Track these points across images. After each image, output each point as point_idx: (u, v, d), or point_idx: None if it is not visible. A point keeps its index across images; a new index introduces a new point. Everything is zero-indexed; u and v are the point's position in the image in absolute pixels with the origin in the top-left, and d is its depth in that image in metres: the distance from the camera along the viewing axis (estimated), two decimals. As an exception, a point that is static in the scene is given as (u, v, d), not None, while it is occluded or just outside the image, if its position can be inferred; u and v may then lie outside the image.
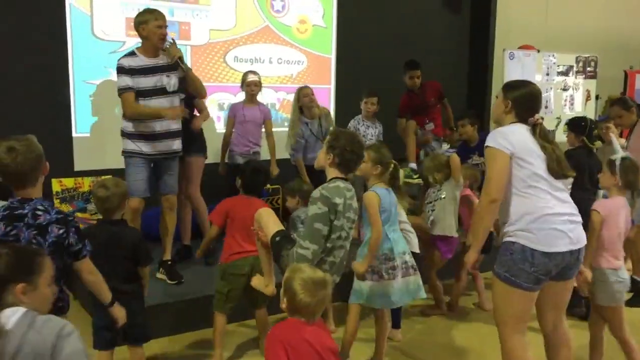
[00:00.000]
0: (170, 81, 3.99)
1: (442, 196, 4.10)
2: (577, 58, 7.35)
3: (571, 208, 2.69)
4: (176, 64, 3.96)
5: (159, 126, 3.93)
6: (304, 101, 5.04)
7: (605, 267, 3.17)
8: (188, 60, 5.38)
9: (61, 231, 2.29)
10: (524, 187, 2.63)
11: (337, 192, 2.74)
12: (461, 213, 4.25)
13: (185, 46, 5.40)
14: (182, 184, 4.44)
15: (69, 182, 4.76)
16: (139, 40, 4.03)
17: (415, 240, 3.64)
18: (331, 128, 4.87)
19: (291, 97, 5.77)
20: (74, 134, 4.97)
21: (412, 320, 4.19)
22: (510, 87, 2.83)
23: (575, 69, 7.30)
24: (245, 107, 4.90)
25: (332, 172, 2.84)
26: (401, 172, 3.61)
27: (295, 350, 2.09)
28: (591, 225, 3.16)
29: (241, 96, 5.08)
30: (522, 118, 2.75)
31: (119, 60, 3.94)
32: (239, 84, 4.98)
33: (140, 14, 3.96)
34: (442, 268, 4.27)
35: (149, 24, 3.87)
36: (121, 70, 3.87)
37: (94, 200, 3.08)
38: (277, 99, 6.03)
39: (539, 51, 7.05)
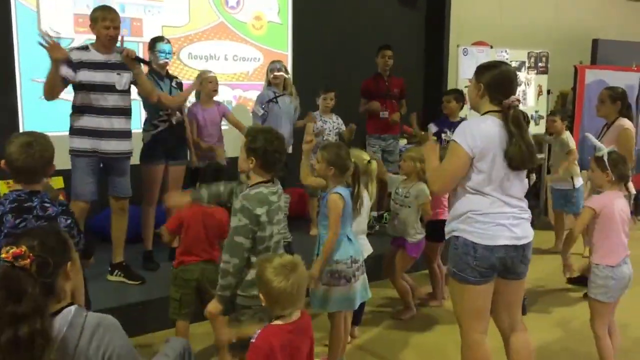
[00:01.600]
0: (122, 79, 3.89)
1: (408, 204, 4.02)
2: (529, 54, 7.49)
3: (518, 206, 2.66)
4: (133, 63, 3.86)
5: (106, 123, 3.83)
6: (271, 79, 5.04)
7: (598, 263, 3.20)
8: (141, 57, 5.26)
9: (69, 221, 2.40)
10: (474, 189, 2.61)
11: (259, 200, 2.57)
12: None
13: (137, 43, 5.28)
14: (161, 190, 4.42)
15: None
16: (89, 37, 3.96)
17: (368, 244, 3.63)
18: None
19: (248, 94, 5.75)
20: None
21: (376, 318, 4.20)
22: (481, 68, 2.70)
23: (527, 64, 7.44)
24: (204, 108, 4.79)
25: (255, 177, 2.66)
26: (373, 166, 3.54)
27: (280, 354, 2.06)
28: (579, 219, 3.25)
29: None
30: (497, 101, 2.61)
31: (70, 50, 3.82)
32: (191, 81, 4.87)
33: (92, 11, 3.87)
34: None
35: (97, 22, 3.78)
36: (67, 62, 3.72)
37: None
38: (233, 97, 5.96)
39: (492, 47, 7.17)
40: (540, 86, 7.62)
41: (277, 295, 2.08)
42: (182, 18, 5.59)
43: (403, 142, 6.59)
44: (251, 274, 2.58)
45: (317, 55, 6.32)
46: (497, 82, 2.64)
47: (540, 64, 7.61)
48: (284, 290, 2.07)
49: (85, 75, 3.77)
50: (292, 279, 2.09)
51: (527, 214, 2.71)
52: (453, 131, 4.91)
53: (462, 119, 5.06)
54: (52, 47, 3.59)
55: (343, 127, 5.39)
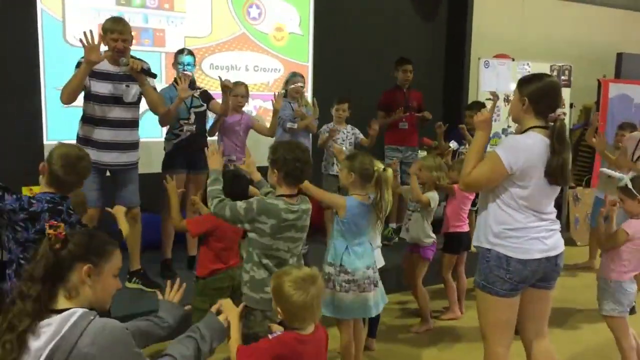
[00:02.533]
0: (130, 91, 3.90)
1: (419, 209, 4.02)
2: (551, 67, 7.43)
3: (550, 219, 2.65)
4: (140, 74, 3.84)
5: (109, 135, 3.84)
6: (291, 90, 5.12)
7: (613, 279, 3.21)
8: (163, 67, 5.34)
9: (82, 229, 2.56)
10: (510, 203, 2.59)
11: (268, 211, 2.56)
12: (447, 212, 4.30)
13: (160, 53, 5.35)
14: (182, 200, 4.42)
15: (38, 189, 4.65)
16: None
17: (380, 256, 3.60)
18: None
19: (268, 105, 5.76)
20: (45, 142, 4.87)
21: (393, 330, 4.16)
22: (525, 81, 2.62)
23: (549, 77, 7.39)
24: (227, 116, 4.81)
25: (280, 189, 2.66)
26: (388, 173, 3.52)
27: None
28: (614, 240, 3.22)
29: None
30: (542, 115, 2.57)
31: (82, 58, 3.76)
32: (216, 91, 4.91)
33: (105, 22, 3.87)
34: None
35: (106, 34, 3.78)
36: (78, 65, 3.73)
37: None
38: (253, 107, 5.99)
39: (513, 60, 7.12)
40: (563, 100, 7.54)
41: (297, 310, 2.06)
42: (205, 29, 5.65)
43: (423, 154, 6.56)
44: (260, 274, 2.61)
45: (337, 66, 6.34)
46: (542, 96, 2.58)
47: (563, 77, 7.53)
48: (304, 304, 2.05)
49: (95, 86, 3.79)
50: (312, 292, 2.07)
51: (558, 225, 2.70)
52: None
53: None
54: (91, 47, 3.58)
55: (360, 137, 5.36)
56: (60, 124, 4.92)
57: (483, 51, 7.19)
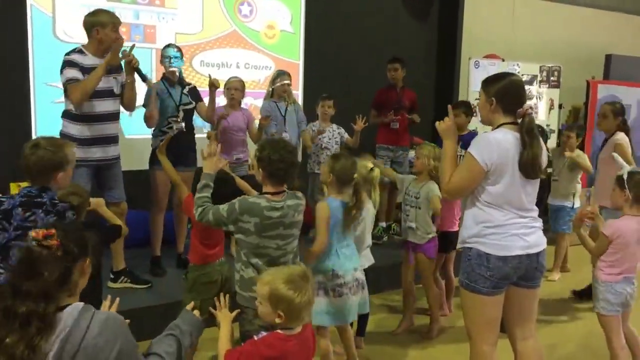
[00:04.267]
0: (117, 83, 3.90)
1: (419, 205, 3.93)
2: (540, 67, 7.48)
3: (530, 216, 2.66)
4: (132, 71, 3.86)
5: (97, 130, 3.81)
6: (277, 88, 5.07)
7: (602, 280, 3.22)
8: (153, 64, 5.32)
9: (74, 217, 2.50)
10: (488, 202, 2.61)
11: (250, 210, 2.58)
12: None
13: (151, 49, 5.33)
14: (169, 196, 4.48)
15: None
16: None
17: (369, 254, 3.59)
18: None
19: (258, 102, 5.75)
20: (33, 137, 4.83)
21: (381, 329, 4.16)
22: (489, 82, 2.68)
23: (539, 78, 7.43)
24: (228, 113, 4.82)
25: (264, 187, 2.67)
26: (375, 173, 3.49)
27: None
28: (599, 247, 3.25)
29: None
30: (510, 112, 2.62)
31: (68, 54, 3.75)
32: (206, 89, 4.89)
33: (95, 14, 3.81)
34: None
35: (105, 27, 3.74)
36: (72, 64, 3.69)
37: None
38: (244, 104, 5.97)
39: (503, 60, 7.16)
40: (551, 100, 7.60)
41: (299, 310, 2.05)
42: (196, 26, 5.63)
43: (413, 153, 6.58)
44: (248, 273, 2.62)
45: (329, 65, 6.34)
46: (507, 93, 2.63)
47: (552, 78, 7.59)
48: (307, 303, 2.05)
49: None
50: (309, 289, 2.07)
51: (539, 223, 2.71)
52: (460, 144, 4.94)
53: (471, 132, 5.04)
54: (126, 56, 3.73)
55: (346, 136, 5.33)
56: (49, 120, 4.88)
57: (473, 51, 7.23)
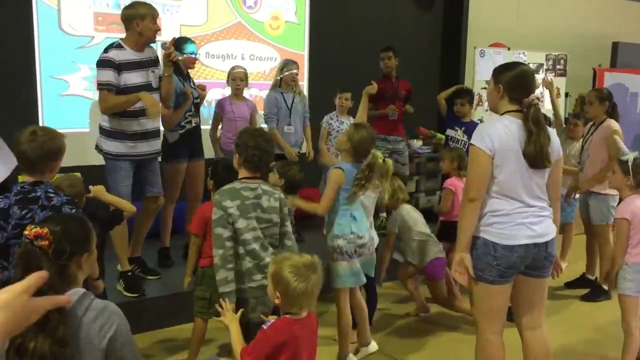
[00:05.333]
0: (155, 77, 3.90)
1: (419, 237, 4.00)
2: (547, 56, 7.45)
3: (539, 205, 2.65)
4: (170, 65, 3.87)
5: (139, 125, 3.81)
6: (286, 77, 5.06)
7: (630, 262, 3.26)
8: (159, 56, 5.31)
9: (73, 211, 2.38)
10: (494, 191, 2.62)
11: (230, 194, 2.68)
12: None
13: (156, 42, 5.33)
14: (184, 187, 4.51)
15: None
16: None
17: (375, 234, 3.62)
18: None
19: (264, 94, 5.75)
20: (41, 131, 4.86)
21: (389, 318, 4.19)
22: (499, 70, 2.71)
23: (545, 66, 7.40)
24: (233, 103, 4.86)
25: (241, 173, 2.77)
26: (388, 164, 3.52)
27: (286, 349, 2.07)
28: (619, 233, 3.26)
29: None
30: (516, 101, 2.63)
31: (105, 51, 3.72)
32: (210, 80, 4.93)
33: (133, 7, 3.79)
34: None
35: (145, 19, 3.73)
36: (108, 63, 3.66)
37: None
38: (249, 96, 5.97)
39: (509, 49, 7.13)
40: (558, 89, 7.56)
41: (295, 296, 2.08)
42: (200, 17, 5.64)
43: (418, 143, 6.58)
44: (245, 265, 2.69)
45: (334, 55, 6.33)
46: (516, 82, 2.64)
47: (558, 67, 7.55)
48: (304, 291, 2.07)
49: (127, 79, 3.72)
50: (312, 280, 2.09)
51: (548, 212, 2.69)
52: (464, 130, 4.98)
53: (473, 121, 5.05)
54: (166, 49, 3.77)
55: None
56: (56, 113, 4.92)
57: (479, 41, 7.20)
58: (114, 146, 3.79)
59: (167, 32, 5.27)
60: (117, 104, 3.71)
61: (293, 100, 5.12)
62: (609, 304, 4.54)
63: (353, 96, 5.29)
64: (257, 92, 6.02)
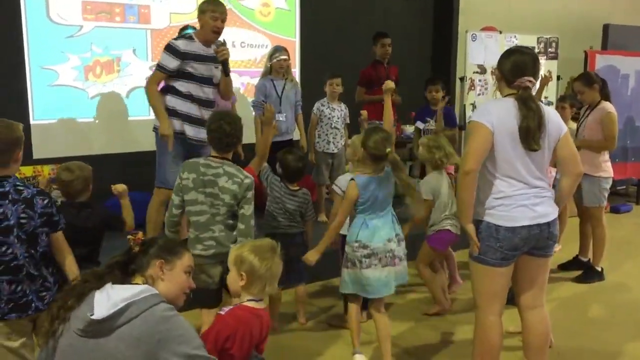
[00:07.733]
0: (217, 74, 4.02)
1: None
2: (538, 39, 7.44)
3: (540, 186, 2.68)
4: (222, 62, 3.94)
5: (196, 111, 3.94)
6: (274, 64, 5.02)
7: None
8: (149, 44, 5.29)
9: (45, 201, 2.42)
10: (494, 174, 2.65)
11: (190, 167, 2.97)
12: None
13: (145, 30, 5.30)
14: None
15: (27, 170, 4.62)
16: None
17: None
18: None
19: (255, 81, 5.73)
20: (31, 121, 4.83)
21: (402, 309, 4.11)
22: (502, 55, 2.80)
23: (536, 49, 7.39)
24: None
25: (211, 152, 3.01)
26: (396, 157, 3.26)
27: (244, 335, 2.13)
28: None
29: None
30: (513, 85, 2.69)
31: (174, 39, 3.94)
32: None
33: (202, 2, 3.95)
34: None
35: (205, 14, 3.85)
36: (173, 51, 3.83)
37: (58, 184, 3.03)
38: (241, 84, 5.96)
39: (501, 32, 7.12)
40: (550, 72, 7.56)
41: (260, 274, 2.17)
42: (190, 5, 5.59)
43: (411, 129, 6.57)
44: (192, 232, 2.98)
45: (325, 42, 6.30)
46: (512, 65, 2.71)
47: (550, 50, 7.55)
48: (268, 269, 2.18)
49: (189, 66, 3.86)
50: (274, 261, 2.21)
51: (550, 192, 2.73)
52: (434, 119, 4.93)
53: (446, 108, 5.02)
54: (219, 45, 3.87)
55: (347, 119, 5.30)
56: (46, 104, 4.89)
57: (470, 24, 7.18)
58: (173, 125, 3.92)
59: (157, 20, 5.24)
60: (153, 95, 3.88)
61: (284, 88, 5.07)
62: (602, 285, 4.60)
63: (344, 82, 5.26)
64: (248, 80, 6.00)
